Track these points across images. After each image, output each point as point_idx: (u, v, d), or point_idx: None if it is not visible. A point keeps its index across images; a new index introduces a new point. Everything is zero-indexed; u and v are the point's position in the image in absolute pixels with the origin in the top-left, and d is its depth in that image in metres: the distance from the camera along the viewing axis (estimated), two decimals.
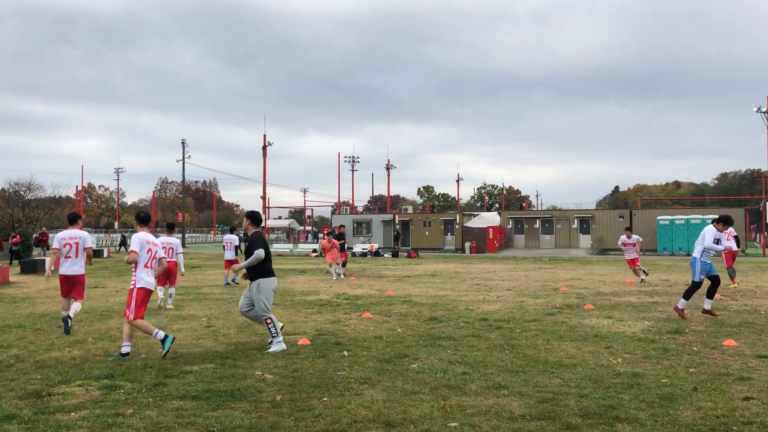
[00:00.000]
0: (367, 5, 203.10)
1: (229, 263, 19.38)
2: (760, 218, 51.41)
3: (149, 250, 8.43)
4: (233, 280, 19.23)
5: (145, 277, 8.33)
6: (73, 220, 10.54)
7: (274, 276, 8.94)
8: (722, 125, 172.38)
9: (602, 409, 5.74)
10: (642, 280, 19.12)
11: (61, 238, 10.21)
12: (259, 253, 8.57)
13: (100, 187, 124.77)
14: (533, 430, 5.16)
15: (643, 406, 5.83)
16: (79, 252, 10.22)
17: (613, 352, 8.40)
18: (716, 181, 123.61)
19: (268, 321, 8.57)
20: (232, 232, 20.80)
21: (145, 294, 8.29)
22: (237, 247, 19.54)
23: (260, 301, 8.63)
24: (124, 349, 8.12)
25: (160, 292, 13.34)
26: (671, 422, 5.36)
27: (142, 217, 8.71)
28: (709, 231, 11.35)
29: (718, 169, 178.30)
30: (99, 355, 8.26)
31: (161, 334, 8.13)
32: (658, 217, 43.91)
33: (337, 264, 22.04)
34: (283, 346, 8.56)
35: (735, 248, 17.82)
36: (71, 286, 10.22)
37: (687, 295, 11.45)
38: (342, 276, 22.01)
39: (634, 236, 19.65)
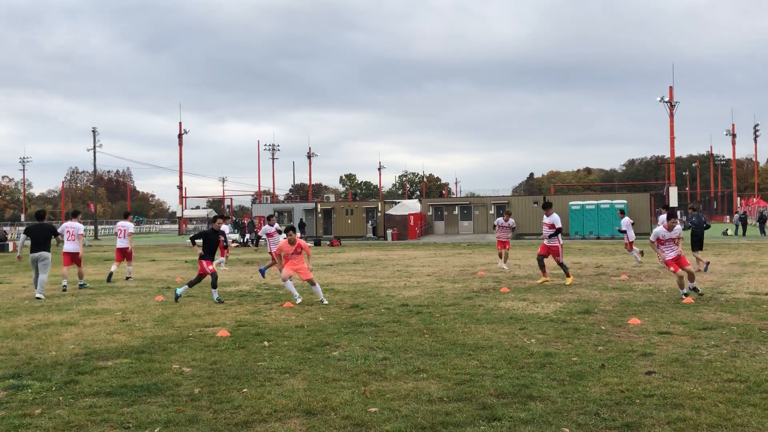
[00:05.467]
0: None
1: None
2: (664, 202, 54.28)
3: None
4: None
5: None
6: (125, 216, 17.87)
7: None
8: (631, 114, 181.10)
9: (516, 388, 5.95)
10: None
11: (118, 224, 17.44)
12: None
13: (3, 177, 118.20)
14: (450, 412, 5.30)
15: (555, 384, 6.09)
16: (126, 234, 17.05)
17: (527, 333, 8.72)
18: (624, 168, 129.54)
19: None
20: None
21: None
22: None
23: None
24: None
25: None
26: (580, 398, 5.63)
27: None
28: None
29: (626, 155, 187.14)
30: (4, 354, 7.85)
31: None
32: (570, 203, 45.55)
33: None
34: None
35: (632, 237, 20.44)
36: (123, 255, 17.18)
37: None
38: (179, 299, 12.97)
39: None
